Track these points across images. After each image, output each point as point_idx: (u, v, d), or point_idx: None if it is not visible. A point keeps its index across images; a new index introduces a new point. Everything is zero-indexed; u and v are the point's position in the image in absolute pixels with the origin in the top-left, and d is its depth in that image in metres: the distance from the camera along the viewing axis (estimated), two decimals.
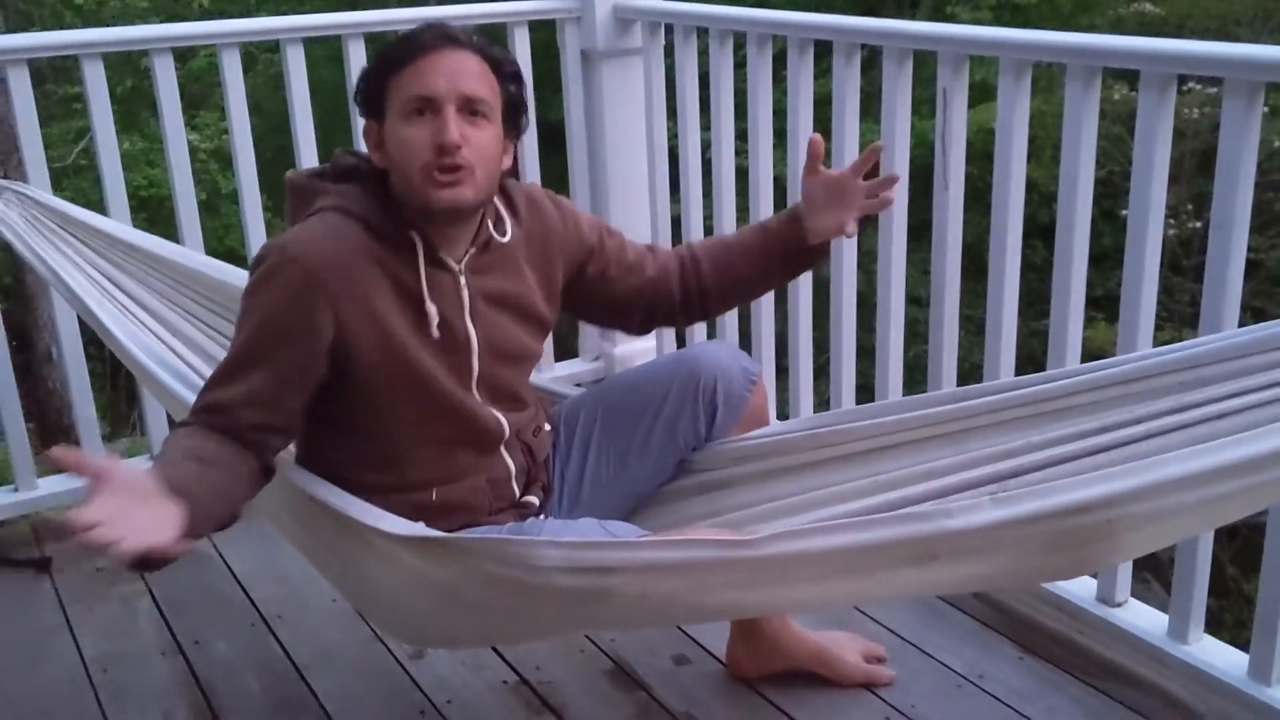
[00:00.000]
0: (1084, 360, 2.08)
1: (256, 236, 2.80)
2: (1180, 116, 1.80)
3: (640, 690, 2.08)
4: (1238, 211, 1.81)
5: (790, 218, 1.84)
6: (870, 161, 1.77)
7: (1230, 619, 5.71)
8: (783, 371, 2.75)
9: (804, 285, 2.61)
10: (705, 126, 2.85)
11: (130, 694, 2.13)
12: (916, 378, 2.49)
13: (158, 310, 2.10)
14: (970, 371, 2.38)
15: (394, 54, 1.63)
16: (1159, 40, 1.91)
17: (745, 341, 2.79)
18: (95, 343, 2.70)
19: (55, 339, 8.65)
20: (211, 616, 2.35)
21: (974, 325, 2.35)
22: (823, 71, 2.52)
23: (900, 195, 2.36)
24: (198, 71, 9.12)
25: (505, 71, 1.66)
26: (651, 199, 3.11)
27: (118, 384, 8.26)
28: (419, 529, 1.53)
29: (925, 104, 2.34)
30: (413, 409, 1.67)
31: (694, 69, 2.84)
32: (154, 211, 7.90)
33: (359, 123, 2.77)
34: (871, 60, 2.44)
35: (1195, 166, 7.42)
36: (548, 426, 1.89)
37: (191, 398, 1.84)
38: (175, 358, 2.00)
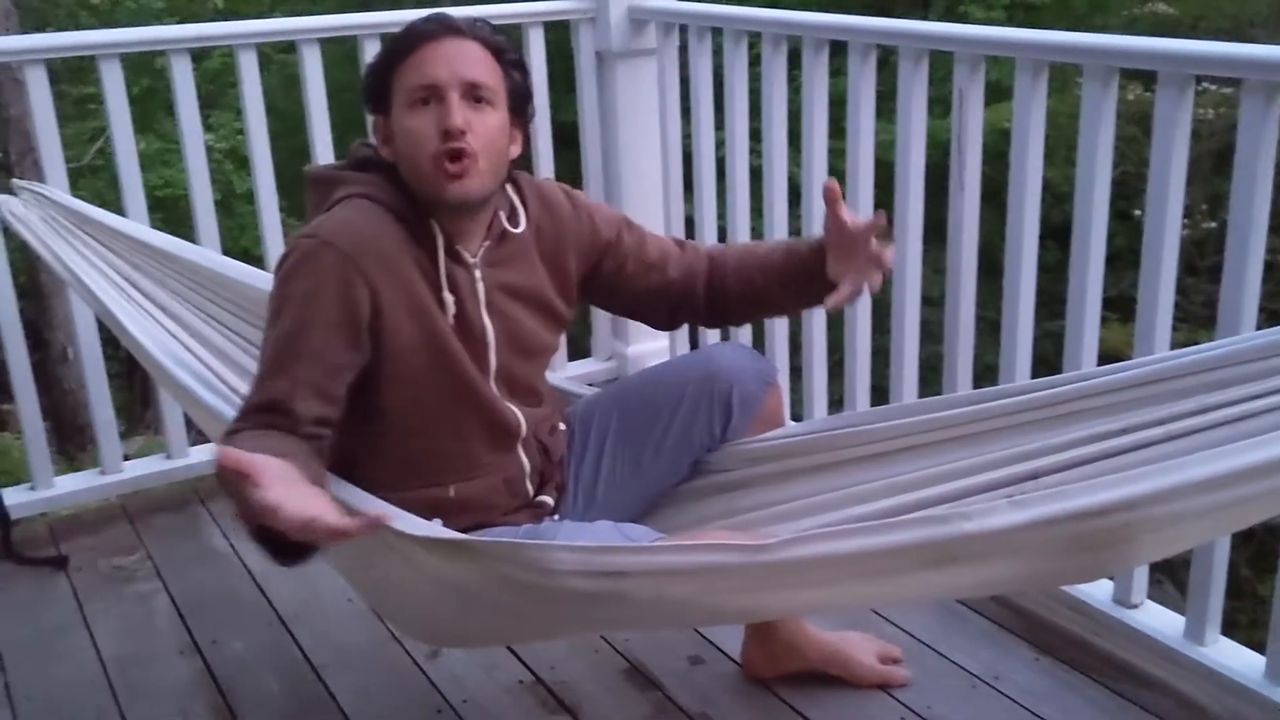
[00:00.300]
0: (1099, 361, 2.08)
1: (273, 237, 2.81)
2: (1195, 117, 1.80)
3: (655, 690, 2.08)
4: (1255, 212, 1.81)
5: (818, 245, 1.78)
6: (875, 227, 1.68)
7: (1245, 620, 5.68)
8: (796, 372, 2.75)
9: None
10: (719, 127, 2.85)
11: (147, 692, 2.14)
12: (930, 378, 2.49)
13: (175, 311, 2.11)
14: (983, 372, 2.38)
15: (396, 46, 1.64)
16: (1177, 41, 1.90)
17: (760, 342, 2.79)
18: (110, 342, 2.71)
19: (72, 339, 8.67)
20: (228, 616, 2.36)
21: (986, 325, 2.34)
22: (833, 71, 2.52)
23: (914, 195, 2.36)
24: (212, 72, 9.15)
25: (508, 59, 1.67)
26: (665, 199, 3.11)
27: (133, 384, 8.28)
28: (436, 529, 1.54)
29: (937, 104, 2.34)
30: (439, 395, 1.67)
31: (708, 69, 2.85)
32: (169, 211, 7.93)
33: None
34: (884, 59, 2.43)
35: (1210, 167, 7.39)
36: (563, 426, 1.90)
37: (209, 397, 1.86)
38: (193, 358, 2.01)
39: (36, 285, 7.84)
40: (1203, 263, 7.42)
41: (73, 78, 8.88)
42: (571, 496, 1.88)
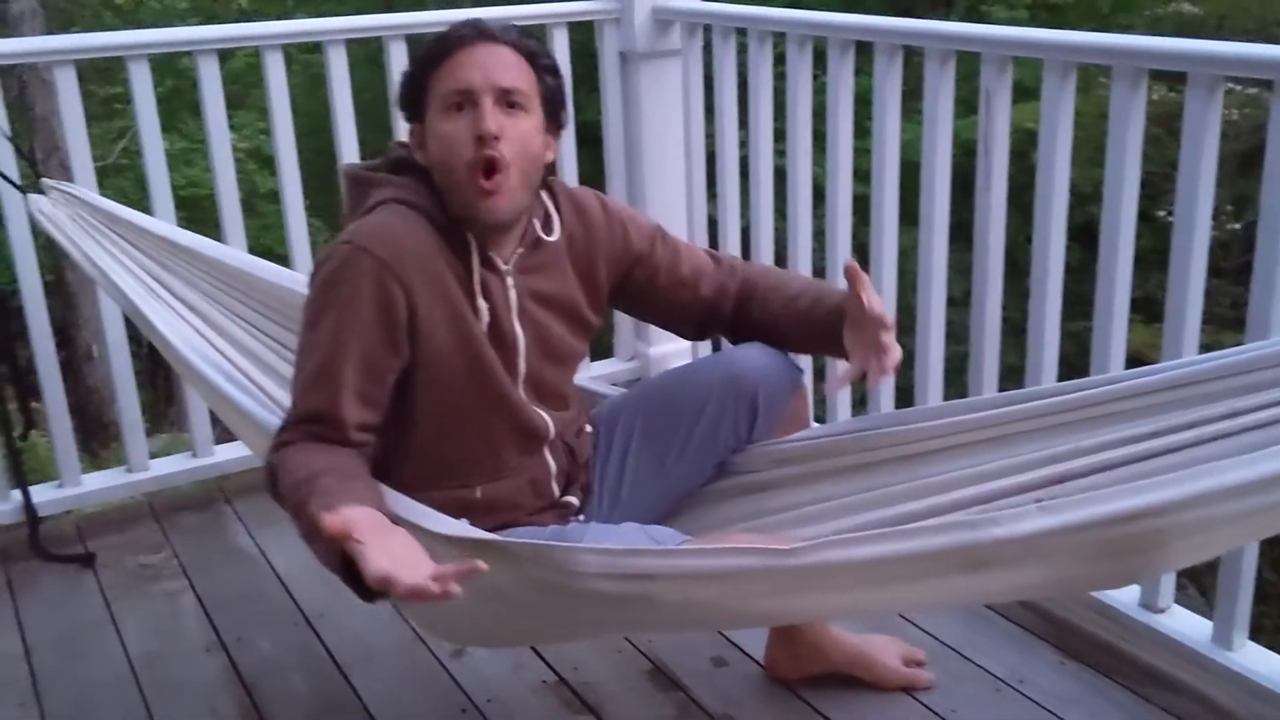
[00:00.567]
0: (1124, 362, 2.07)
1: (298, 236, 2.83)
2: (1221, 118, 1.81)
3: (679, 691, 2.08)
4: None
5: (838, 308, 1.75)
6: (883, 323, 1.66)
7: (1270, 625, 5.65)
8: (819, 373, 2.75)
9: (842, 286, 2.59)
10: (744, 128, 2.84)
11: (174, 690, 2.15)
12: (952, 379, 2.48)
13: (204, 310, 2.11)
14: (1006, 373, 2.37)
15: (429, 53, 1.65)
16: (1208, 43, 1.88)
17: None
18: (134, 340, 2.73)
19: (97, 337, 8.72)
20: (254, 614, 2.37)
21: (1009, 326, 2.33)
22: (855, 70, 2.51)
23: (940, 196, 2.35)
24: (235, 72, 9.19)
25: (541, 64, 1.67)
26: (688, 201, 3.11)
27: (156, 382, 8.34)
28: (464, 528, 1.54)
29: (959, 103, 2.34)
30: (469, 400, 1.68)
31: (733, 70, 2.84)
32: (192, 210, 7.97)
33: (400, 125, 2.81)
34: (906, 59, 2.42)
35: (1236, 168, 7.33)
36: (589, 428, 1.90)
37: (237, 395, 1.87)
38: (221, 357, 2.02)
39: (63, 284, 7.89)
40: (1227, 264, 7.37)
41: (98, 77, 8.94)
42: (597, 497, 1.88)
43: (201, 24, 8.41)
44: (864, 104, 2.53)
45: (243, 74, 8.61)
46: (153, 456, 2.87)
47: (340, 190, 2.75)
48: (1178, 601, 2.16)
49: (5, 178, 2.37)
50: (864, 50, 2.50)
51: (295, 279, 2.15)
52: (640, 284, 1.84)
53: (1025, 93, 2.41)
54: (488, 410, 1.70)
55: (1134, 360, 2.08)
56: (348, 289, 1.58)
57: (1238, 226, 7.43)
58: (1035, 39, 2.19)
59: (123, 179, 8.34)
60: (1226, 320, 6.67)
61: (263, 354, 2.07)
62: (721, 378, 1.83)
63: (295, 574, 2.48)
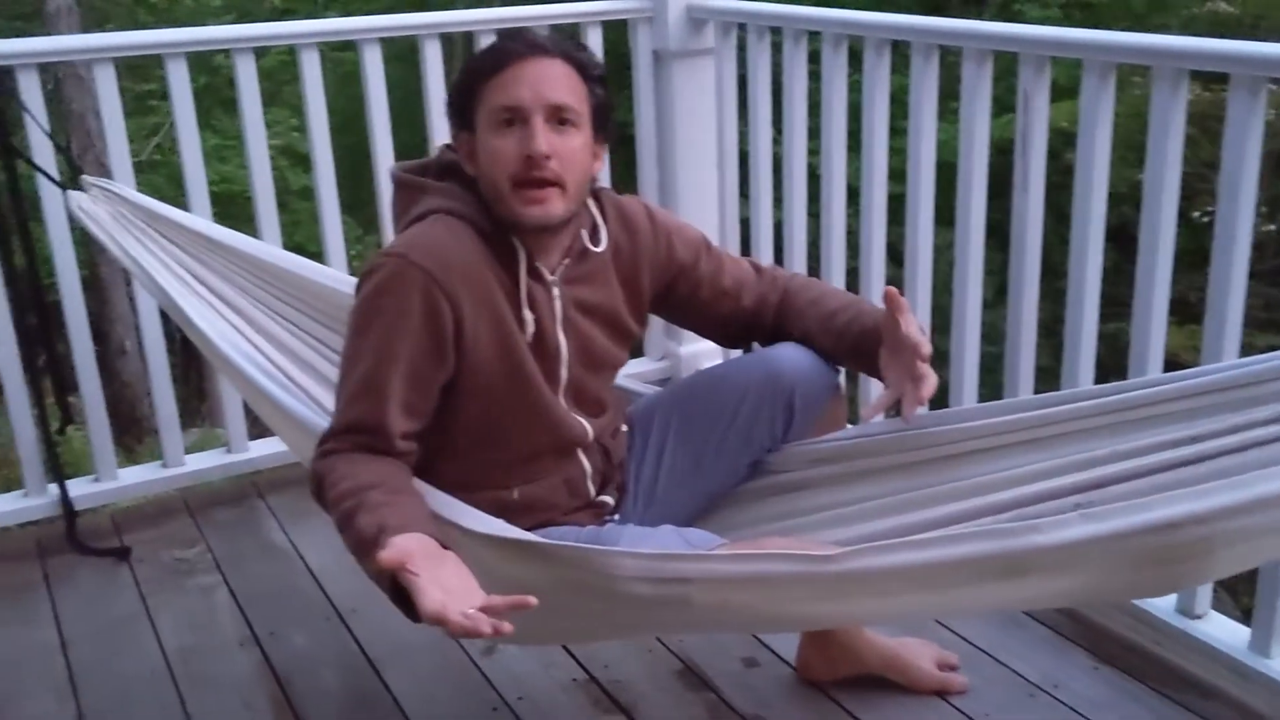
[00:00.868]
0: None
1: (334, 234, 2.84)
2: None
3: (709, 691, 2.08)
4: None
5: (875, 329, 1.75)
6: (920, 350, 1.67)
7: None
8: (853, 376, 2.73)
9: (876, 287, 2.59)
10: (778, 128, 2.83)
11: (209, 684, 2.17)
12: (985, 380, 2.47)
13: (242, 307, 2.13)
14: (1038, 375, 2.35)
15: (481, 65, 1.64)
16: (1252, 43, 1.86)
17: None
18: (167, 335, 2.76)
19: (131, 333, 8.79)
20: (287, 610, 2.39)
21: (1040, 327, 2.32)
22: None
23: (977, 197, 2.33)
24: (267, 69, 9.25)
25: (593, 75, 1.67)
26: (720, 200, 3.11)
27: (188, 377, 8.41)
28: (503, 527, 1.55)
29: (993, 102, 2.33)
30: (510, 408, 1.69)
31: (767, 69, 2.83)
32: (224, 207, 8.03)
33: (434, 123, 2.82)
34: (941, 58, 2.41)
35: (1271, 168, 7.26)
36: (625, 428, 1.90)
37: (277, 392, 1.88)
38: (259, 354, 2.03)
39: (97, 279, 7.97)
40: (1261, 266, 7.30)
41: (131, 74, 9.01)
42: (631, 496, 1.88)
43: (235, 22, 8.47)
44: (896, 103, 2.51)
45: (274, 71, 8.67)
46: (186, 452, 2.89)
47: (374, 188, 2.79)
48: (1214, 607, 2.14)
49: (46, 174, 2.39)
50: (897, 49, 2.49)
51: (336, 277, 2.16)
52: (683, 295, 1.84)
53: (1058, 92, 2.39)
54: (527, 418, 1.71)
55: (1168, 362, 2.07)
56: (396, 300, 1.59)
57: (1272, 228, 7.37)
58: (1075, 39, 2.17)
59: (156, 175, 8.40)
60: (1259, 322, 6.61)
61: (302, 351, 2.08)
62: (759, 376, 1.83)
63: (328, 569, 2.49)
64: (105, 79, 2.56)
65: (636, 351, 3.42)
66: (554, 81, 1.61)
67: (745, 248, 3.04)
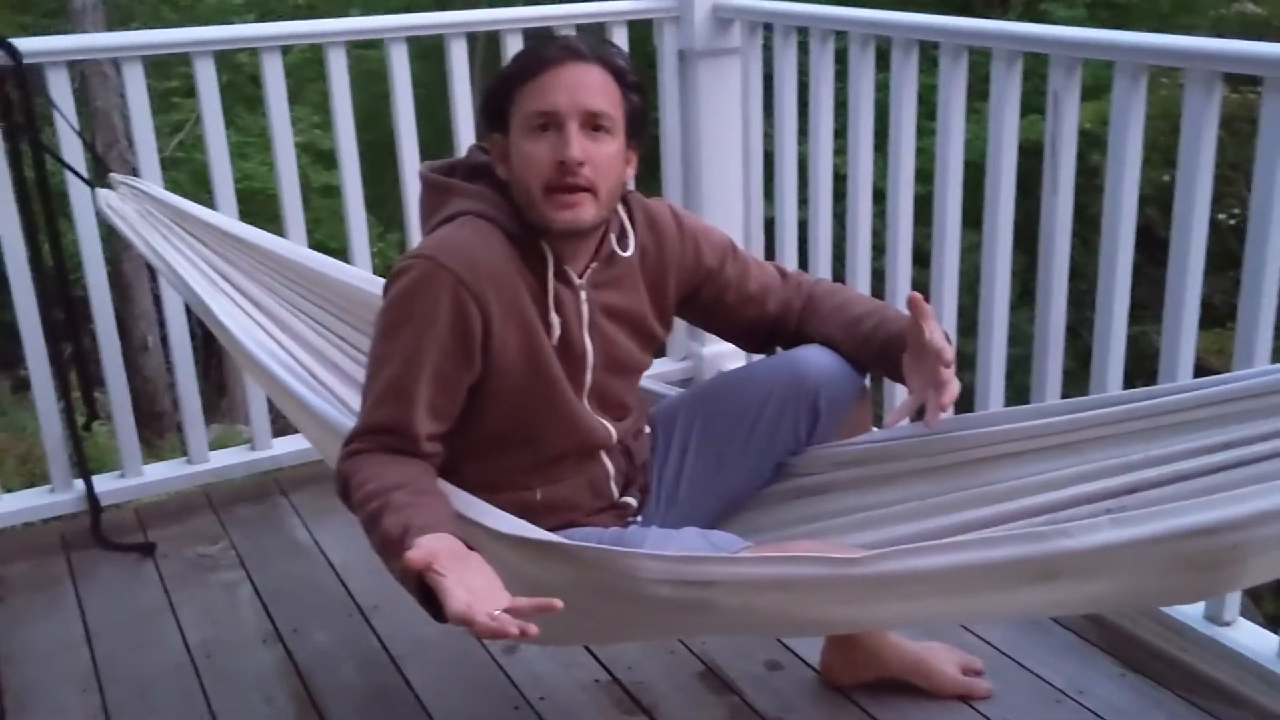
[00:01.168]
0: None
1: (358, 232, 2.85)
2: None
3: (732, 694, 2.07)
4: None
5: (899, 336, 1.75)
6: (944, 356, 1.67)
7: None
8: (877, 378, 2.72)
9: (901, 288, 2.58)
10: (803, 129, 2.82)
11: (232, 679, 2.17)
12: (1010, 383, 2.45)
13: (268, 305, 2.14)
14: (1063, 378, 2.33)
15: (517, 68, 1.64)
16: None
17: None
18: (189, 331, 2.76)
19: (153, 329, 8.82)
20: (310, 606, 2.39)
21: (1065, 330, 2.30)
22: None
23: (1005, 198, 2.32)
24: (289, 67, 9.29)
25: (628, 82, 1.66)
26: (745, 200, 3.10)
27: (209, 373, 8.45)
28: (527, 528, 1.54)
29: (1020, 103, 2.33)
30: (534, 410, 1.69)
31: (793, 69, 2.82)
32: (247, 204, 8.07)
33: (459, 122, 2.82)
34: (969, 58, 2.39)
35: None
36: (647, 429, 1.89)
37: (301, 390, 1.89)
38: (284, 352, 2.04)
39: (120, 275, 8.02)
40: None
41: (154, 71, 9.05)
42: (654, 498, 1.88)
43: (258, 20, 8.50)
44: (922, 103, 2.50)
45: (297, 69, 8.69)
46: (209, 448, 2.90)
47: (396, 185, 2.79)
48: (1242, 614, 2.12)
49: (75, 172, 2.40)
50: (923, 49, 2.47)
51: (363, 277, 2.17)
52: (708, 299, 1.84)
53: (1085, 92, 2.37)
54: (551, 420, 1.71)
55: (1195, 366, 2.05)
56: (425, 303, 1.59)
57: None
58: (1106, 40, 2.15)
59: (179, 172, 8.45)
60: None
61: (328, 351, 2.09)
62: (784, 378, 1.82)
63: (350, 566, 2.49)
64: (134, 77, 2.56)
65: (659, 352, 3.41)
66: (590, 88, 1.61)
67: (770, 248, 3.03)
